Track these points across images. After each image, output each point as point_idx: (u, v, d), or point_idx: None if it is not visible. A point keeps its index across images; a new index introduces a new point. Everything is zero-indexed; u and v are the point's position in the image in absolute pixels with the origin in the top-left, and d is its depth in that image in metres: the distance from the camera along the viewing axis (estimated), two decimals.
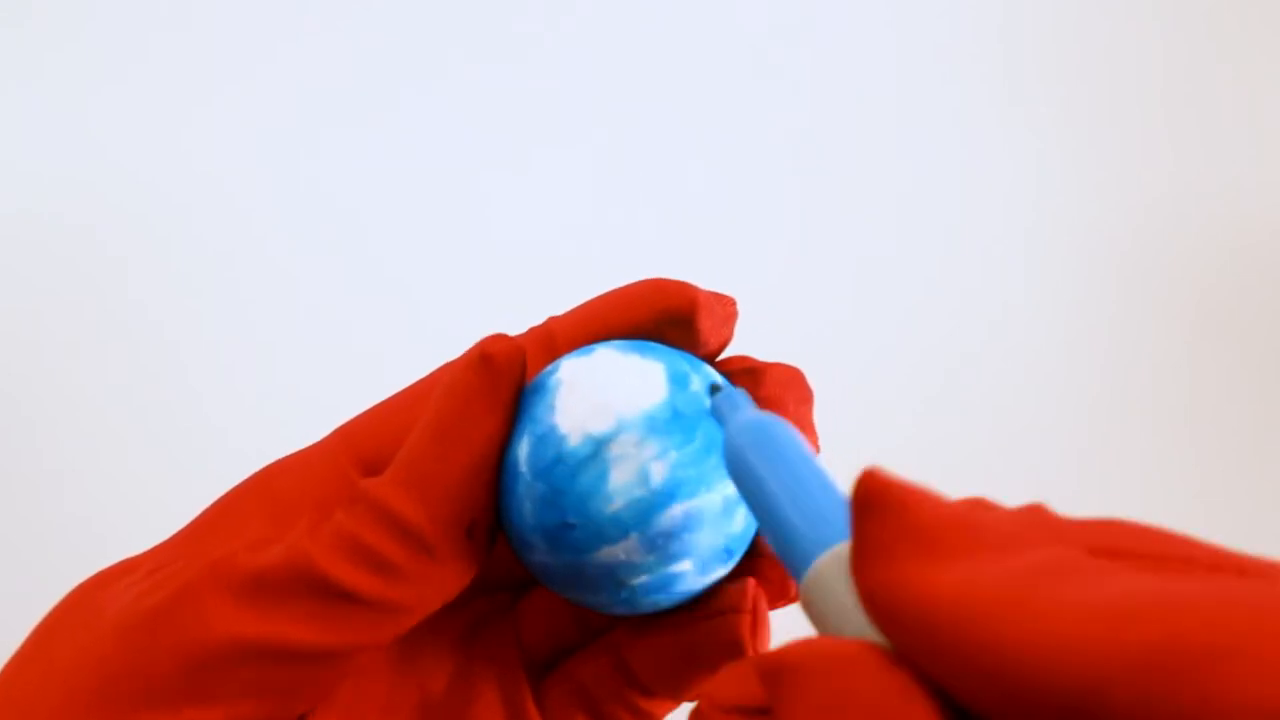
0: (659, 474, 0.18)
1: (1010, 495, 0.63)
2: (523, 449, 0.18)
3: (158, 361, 0.59)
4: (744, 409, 0.17)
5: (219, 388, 0.58)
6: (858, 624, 0.12)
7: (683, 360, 0.20)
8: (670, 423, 0.18)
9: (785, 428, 0.16)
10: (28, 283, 0.59)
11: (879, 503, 0.12)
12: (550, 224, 0.62)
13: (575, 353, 0.20)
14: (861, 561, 0.12)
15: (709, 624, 0.19)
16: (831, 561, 0.13)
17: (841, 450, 0.62)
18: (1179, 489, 0.64)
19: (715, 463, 0.19)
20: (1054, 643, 0.10)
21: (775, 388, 0.20)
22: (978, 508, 0.12)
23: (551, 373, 0.19)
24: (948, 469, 0.63)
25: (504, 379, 0.18)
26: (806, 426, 0.21)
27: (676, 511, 0.18)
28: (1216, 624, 0.09)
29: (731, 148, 0.64)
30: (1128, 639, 0.09)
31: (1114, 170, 0.66)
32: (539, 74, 0.63)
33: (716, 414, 0.18)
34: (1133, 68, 0.67)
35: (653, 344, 0.20)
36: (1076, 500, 0.64)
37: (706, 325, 0.20)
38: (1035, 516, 0.12)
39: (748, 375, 0.20)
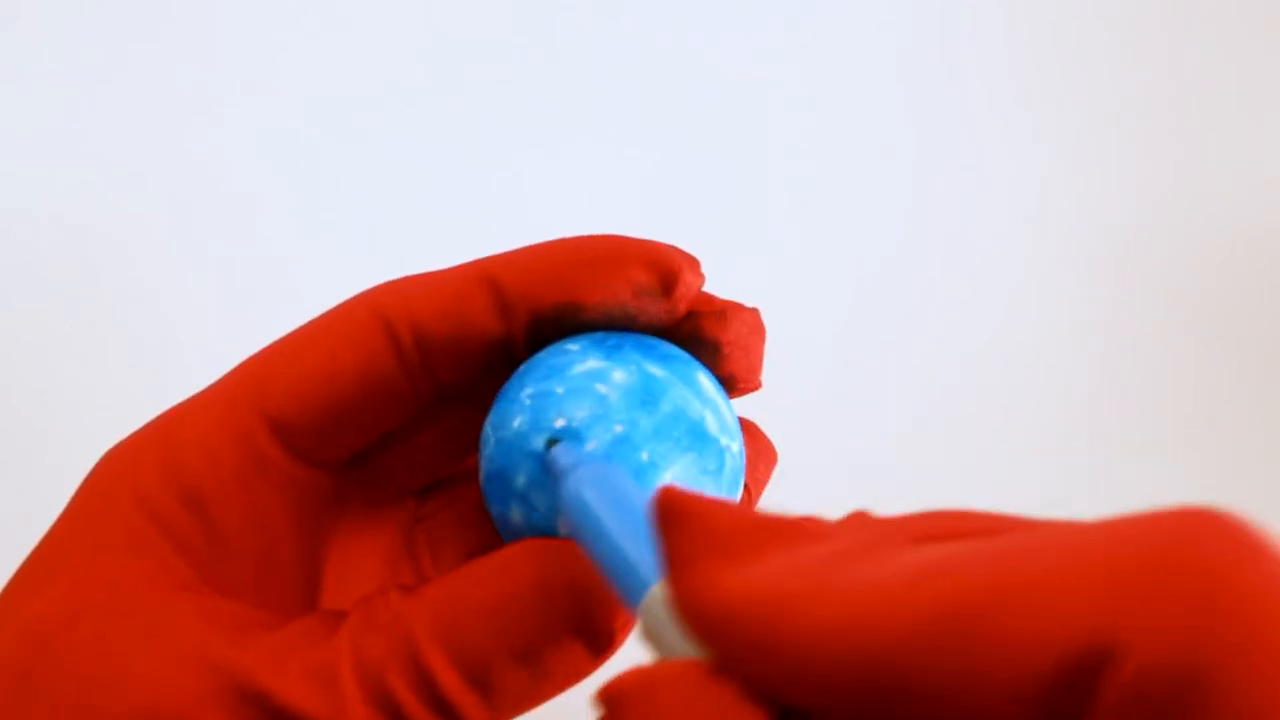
0: None
1: (1010, 496, 0.63)
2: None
3: (159, 362, 0.59)
4: (581, 458, 0.17)
5: None
6: (685, 646, 0.12)
7: (708, 387, 0.19)
8: (712, 475, 0.18)
9: (622, 474, 0.16)
10: (28, 283, 0.59)
11: (676, 516, 0.12)
12: (552, 225, 0.62)
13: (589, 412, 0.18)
14: (670, 577, 0.12)
15: None
16: (661, 591, 0.13)
17: (843, 450, 0.62)
18: (1180, 491, 0.64)
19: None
20: (845, 621, 0.10)
21: (742, 330, 0.20)
22: (791, 518, 0.12)
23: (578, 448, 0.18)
24: (948, 468, 0.63)
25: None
26: (759, 364, 0.20)
27: None
28: (988, 579, 0.09)
29: (731, 147, 0.64)
30: (912, 605, 0.10)
31: (1116, 170, 0.66)
32: (541, 75, 0.63)
33: (553, 464, 0.17)
34: (1135, 67, 0.66)
35: (662, 366, 0.19)
36: (1076, 501, 0.63)
37: (681, 298, 0.19)
38: (851, 519, 0.12)
39: (717, 317, 0.19)
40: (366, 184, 0.61)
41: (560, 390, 0.18)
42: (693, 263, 0.19)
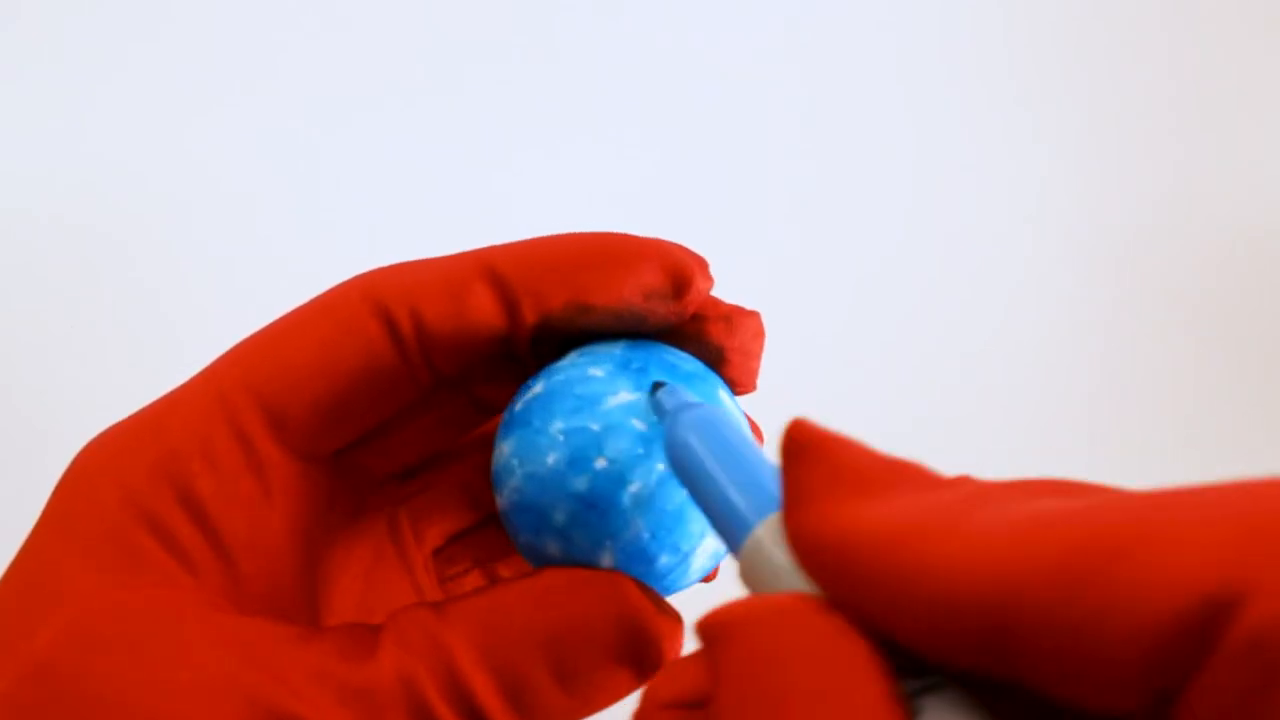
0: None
1: None
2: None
3: (159, 362, 0.59)
4: (684, 400, 0.17)
5: None
6: (794, 583, 0.12)
7: (728, 404, 0.19)
8: None
9: (727, 415, 0.16)
10: (28, 283, 0.59)
11: (804, 449, 0.12)
12: (553, 225, 0.62)
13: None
14: (790, 509, 0.12)
15: None
16: (767, 529, 0.13)
17: None
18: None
19: None
20: (970, 560, 0.10)
21: (745, 336, 0.20)
22: (911, 463, 0.12)
23: (625, 482, 0.17)
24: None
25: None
26: (757, 368, 0.21)
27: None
28: (1116, 526, 0.09)
29: (731, 147, 0.64)
30: (1038, 547, 0.09)
31: (1116, 170, 0.66)
32: (541, 75, 0.63)
33: (657, 407, 0.17)
34: (1135, 67, 0.66)
35: (689, 390, 0.18)
36: None
37: (691, 302, 0.19)
38: (961, 478, 0.12)
39: (723, 323, 0.19)
40: (366, 184, 0.61)
41: (596, 428, 0.18)
42: (703, 265, 0.19)
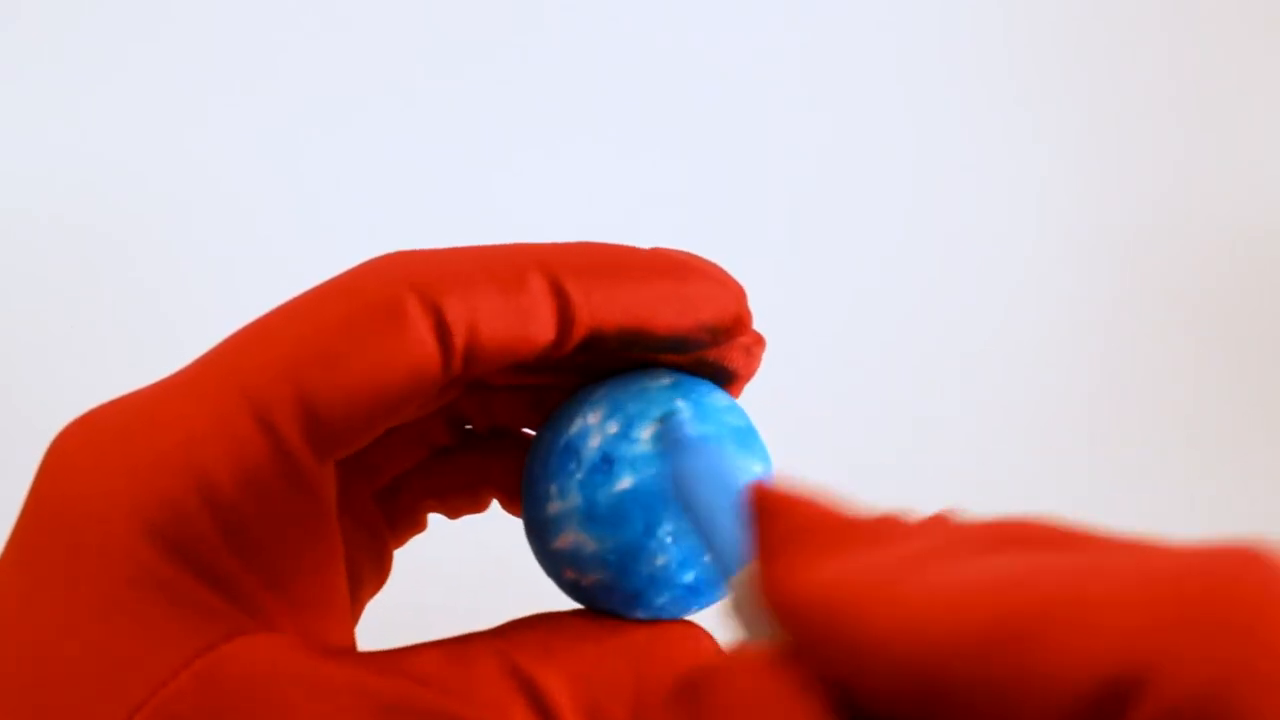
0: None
1: (1010, 496, 0.63)
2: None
3: (159, 362, 0.59)
4: (689, 435, 0.17)
5: None
6: (767, 626, 0.13)
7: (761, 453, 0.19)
8: None
9: (730, 455, 0.17)
10: (28, 283, 0.59)
11: (769, 509, 0.13)
12: (552, 225, 0.62)
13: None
14: (759, 566, 0.13)
15: None
16: (750, 573, 0.14)
17: (843, 450, 0.62)
18: (1179, 490, 0.64)
19: None
20: (906, 624, 0.10)
21: (756, 363, 0.20)
22: (878, 516, 0.13)
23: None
24: (948, 468, 0.63)
25: None
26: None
27: None
28: (1038, 598, 0.10)
29: (731, 147, 0.64)
30: (966, 617, 0.10)
31: (1116, 170, 0.66)
32: (541, 75, 0.63)
33: (664, 437, 0.17)
34: (1135, 67, 0.66)
35: (762, 460, 0.18)
36: (1076, 501, 0.63)
37: (734, 340, 0.19)
38: (932, 520, 0.12)
39: (745, 352, 0.19)
40: (366, 184, 0.61)
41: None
42: (747, 298, 0.19)
